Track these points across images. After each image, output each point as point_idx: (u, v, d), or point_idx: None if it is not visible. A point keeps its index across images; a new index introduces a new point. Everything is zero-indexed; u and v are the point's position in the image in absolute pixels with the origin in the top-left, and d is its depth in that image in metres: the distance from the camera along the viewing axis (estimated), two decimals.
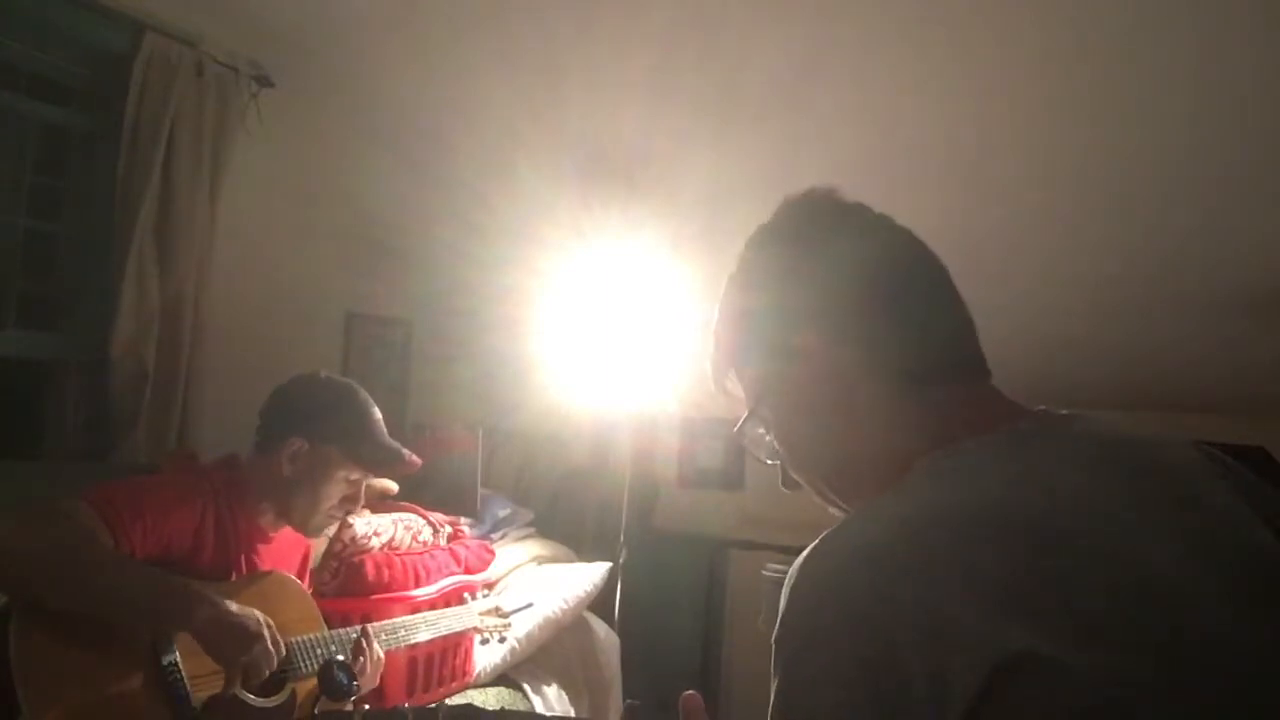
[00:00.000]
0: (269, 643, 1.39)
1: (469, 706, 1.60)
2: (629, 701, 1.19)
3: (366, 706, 1.50)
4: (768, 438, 0.84)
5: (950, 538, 0.57)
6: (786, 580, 0.63)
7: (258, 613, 1.40)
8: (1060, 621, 0.52)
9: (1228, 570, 0.59)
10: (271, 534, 1.67)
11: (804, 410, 0.79)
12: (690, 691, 0.86)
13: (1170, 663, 0.52)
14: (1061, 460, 0.65)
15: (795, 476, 0.83)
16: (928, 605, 0.53)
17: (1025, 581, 0.54)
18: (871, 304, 0.77)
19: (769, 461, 0.86)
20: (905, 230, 0.82)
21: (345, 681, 1.45)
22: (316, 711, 1.48)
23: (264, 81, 2.45)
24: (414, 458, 1.71)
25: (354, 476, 1.67)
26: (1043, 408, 0.75)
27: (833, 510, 0.81)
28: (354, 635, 1.66)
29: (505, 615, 2.08)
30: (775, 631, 0.61)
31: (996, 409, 0.74)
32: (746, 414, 0.84)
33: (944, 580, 0.54)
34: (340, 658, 1.52)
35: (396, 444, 1.71)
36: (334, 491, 1.66)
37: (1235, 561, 0.60)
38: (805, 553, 0.63)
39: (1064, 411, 0.74)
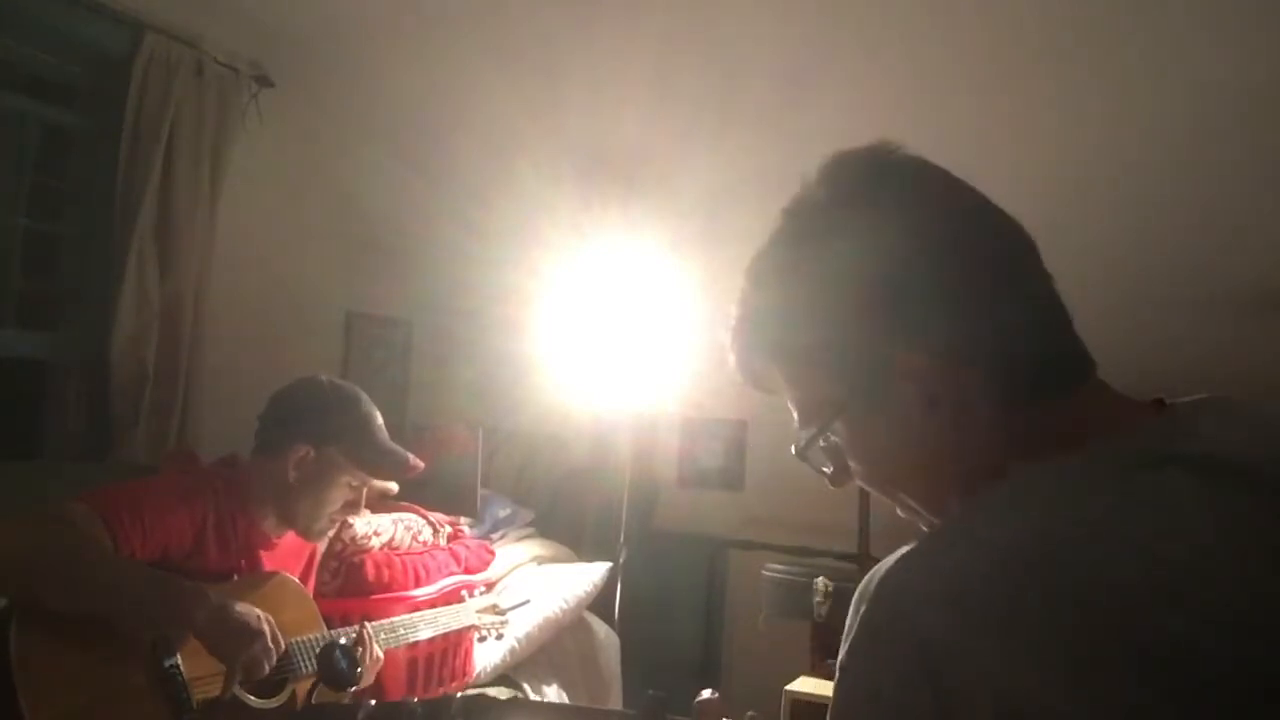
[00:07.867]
0: (269, 639, 1.38)
1: (482, 696, 1.55)
2: (651, 693, 1.18)
3: (373, 702, 1.47)
4: (824, 442, 0.74)
5: (1028, 589, 0.53)
6: (857, 598, 0.59)
7: (258, 610, 1.40)
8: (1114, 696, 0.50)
9: None
10: (274, 538, 1.67)
11: (891, 428, 0.70)
12: (712, 694, 0.85)
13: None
14: (1161, 497, 0.56)
15: (868, 488, 0.75)
16: (1003, 675, 0.51)
17: (1089, 653, 0.51)
18: (960, 299, 0.67)
19: (826, 470, 0.77)
20: (989, 203, 0.72)
21: (345, 668, 1.42)
22: (314, 700, 1.46)
23: (264, 81, 2.45)
24: (417, 461, 1.72)
25: (356, 482, 1.68)
26: (1160, 399, 0.66)
27: (902, 513, 0.75)
28: (352, 634, 1.65)
29: (502, 612, 2.08)
30: (842, 655, 0.58)
31: (1100, 412, 0.66)
32: (816, 427, 0.74)
33: (1017, 649, 0.52)
34: (343, 641, 1.49)
35: (400, 448, 1.72)
36: (337, 496, 1.66)
37: None
38: (882, 574, 0.58)
39: (1189, 400, 0.65)
